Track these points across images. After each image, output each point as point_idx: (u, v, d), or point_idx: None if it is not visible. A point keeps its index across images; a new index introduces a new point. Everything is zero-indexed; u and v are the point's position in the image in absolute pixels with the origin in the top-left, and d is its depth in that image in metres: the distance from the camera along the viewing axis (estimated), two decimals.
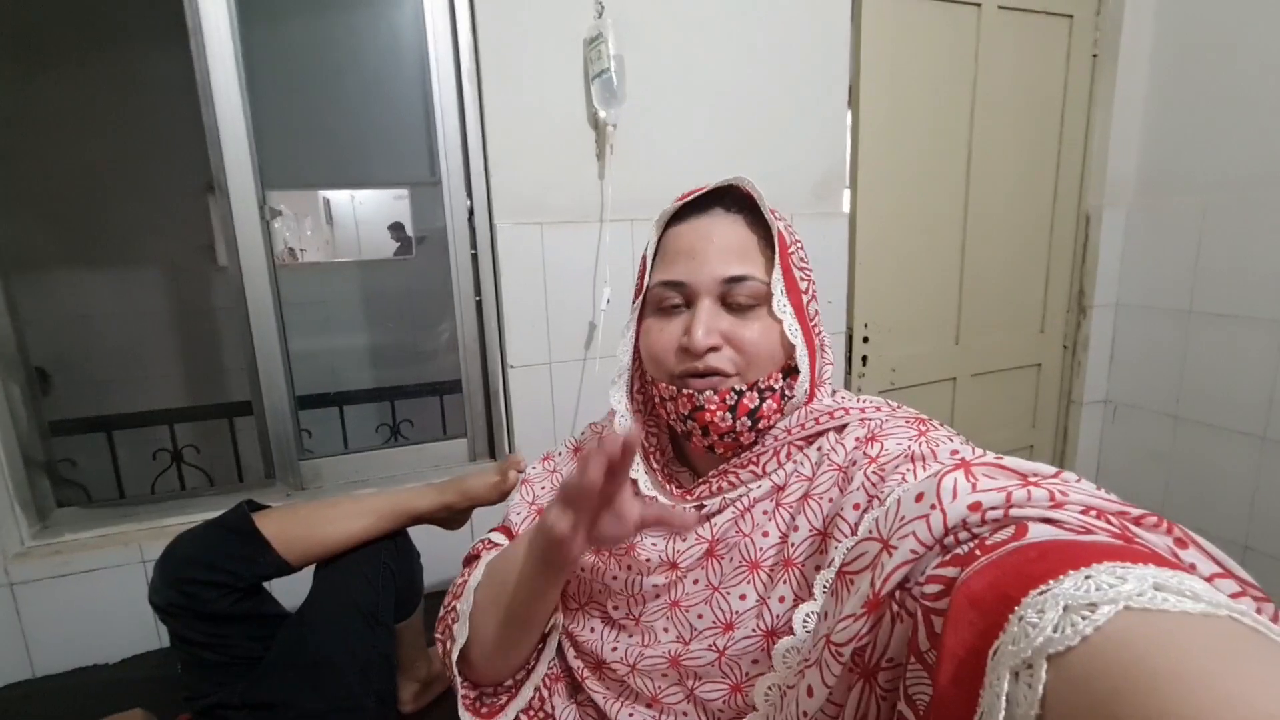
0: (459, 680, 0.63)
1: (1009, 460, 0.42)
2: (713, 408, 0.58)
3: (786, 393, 0.59)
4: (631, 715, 0.58)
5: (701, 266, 0.58)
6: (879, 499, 0.49)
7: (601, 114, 1.30)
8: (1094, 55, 1.83)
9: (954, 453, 0.50)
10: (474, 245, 1.39)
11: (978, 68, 1.70)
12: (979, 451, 0.49)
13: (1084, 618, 0.27)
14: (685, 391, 0.59)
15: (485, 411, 1.47)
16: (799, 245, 0.62)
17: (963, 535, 0.37)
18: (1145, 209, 1.87)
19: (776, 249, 0.58)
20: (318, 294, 2.46)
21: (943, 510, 0.37)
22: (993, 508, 0.37)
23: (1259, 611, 0.32)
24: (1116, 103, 1.82)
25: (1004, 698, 0.27)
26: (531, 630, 0.63)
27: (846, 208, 1.62)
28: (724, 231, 0.59)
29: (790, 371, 0.60)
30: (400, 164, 2.21)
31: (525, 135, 1.31)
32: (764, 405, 0.58)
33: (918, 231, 1.72)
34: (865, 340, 1.69)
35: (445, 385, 2.18)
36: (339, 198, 2.31)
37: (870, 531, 0.42)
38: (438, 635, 0.66)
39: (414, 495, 0.99)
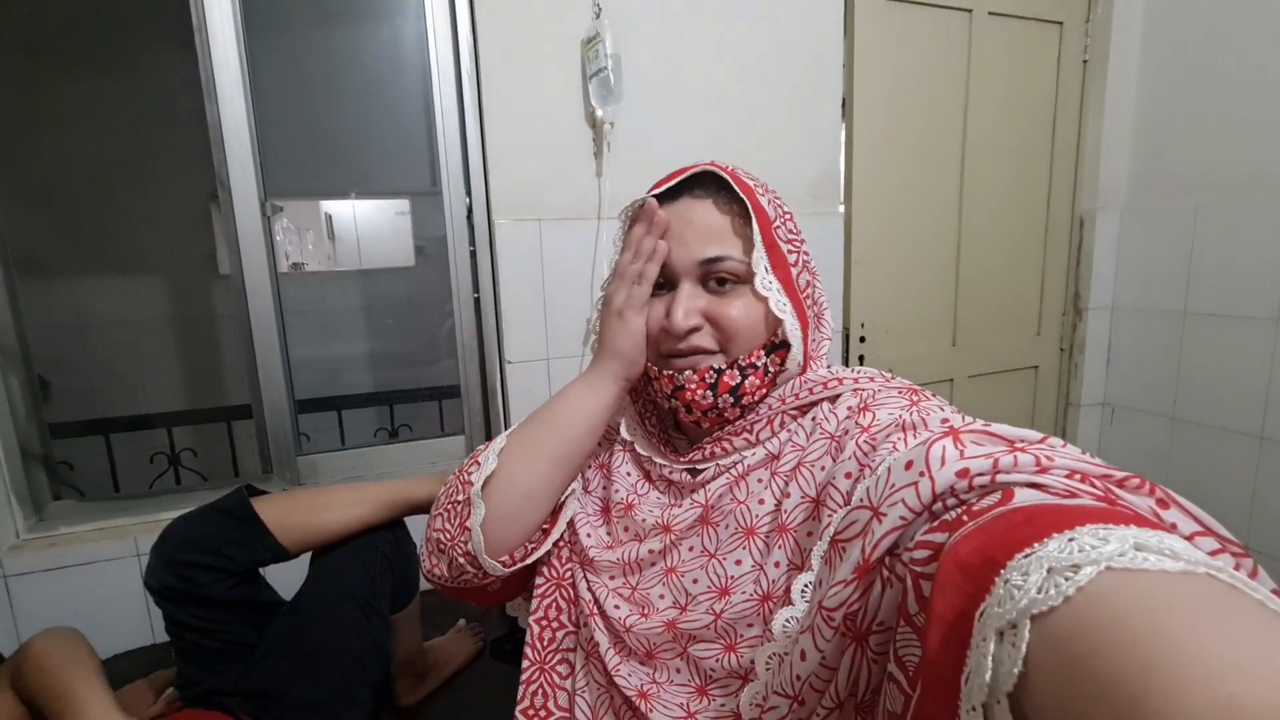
0: (481, 510, 0.60)
1: (997, 427, 0.43)
2: (693, 386, 0.59)
3: (770, 368, 0.60)
4: (631, 673, 0.58)
5: (679, 249, 0.59)
6: (870, 468, 0.50)
7: (599, 112, 1.32)
8: (1084, 61, 1.86)
9: (944, 420, 0.51)
10: (472, 243, 1.41)
11: (969, 73, 1.73)
12: (969, 419, 0.50)
13: (1067, 579, 0.27)
14: (666, 373, 0.61)
15: (483, 408, 1.47)
16: (786, 217, 0.62)
17: (951, 501, 0.38)
18: (1138, 211, 1.89)
19: (755, 224, 0.58)
20: (318, 300, 2.48)
21: (931, 477, 0.38)
22: (980, 474, 0.37)
23: (1237, 567, 0.33)
24: (1108, 107, 1.85)
25: (990, 658, 0.28)
26: (568, 469, 0.63)
27: (842, 208, 1.64)
28: (700, 214, 0.60)
29: (774, 348, 0.60)
30: (402, 174, 2.24)
31: (524, 133, 1.33)
32: (746, 382, 0.59)
33: (913, 233, 1.74)
34: (862, 340, 1.70)
35: (444, 389, 2.18)
36: (340, 210, 2.34)
37: (861, 500, 0.42)
38: (432, 516, 0.63)
39: (413, 484, 0.99)
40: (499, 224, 1.34)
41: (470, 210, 1.39)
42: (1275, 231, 1.58)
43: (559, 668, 0.64)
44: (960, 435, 0.41)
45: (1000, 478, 0.37)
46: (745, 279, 0.59)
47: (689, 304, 0.59)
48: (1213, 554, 0.33)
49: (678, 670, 0.56)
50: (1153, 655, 0.24)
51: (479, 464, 0.62)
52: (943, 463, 0.38)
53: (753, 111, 1.48)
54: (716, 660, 0.54)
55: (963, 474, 0.37)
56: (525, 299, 1.36)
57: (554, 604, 0.65)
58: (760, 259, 0.58)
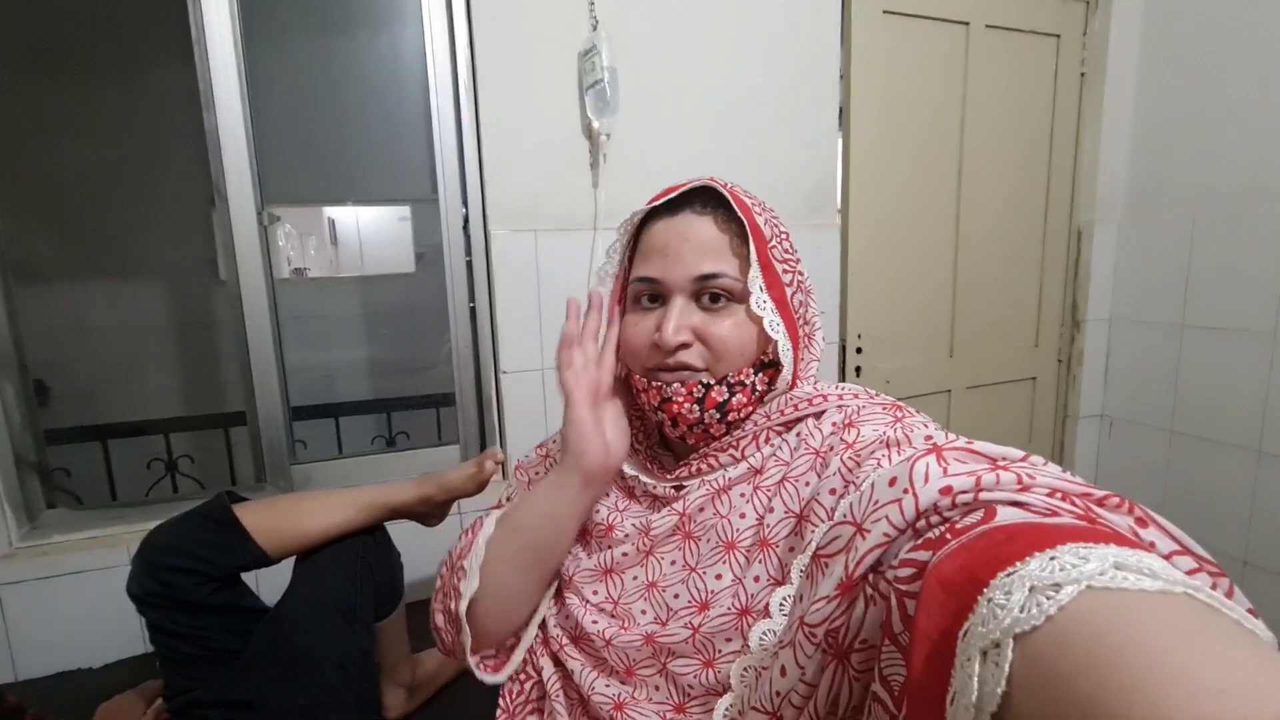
0: (468, 633, 0.62)
1: (980, 445, 0.43)
2: (680, 400, 0.59)
3: (758, 387, 0.60)
4: (608, 686, 0.58)
5: (675, 265, 0.59)
6: (854, 484, 0.50)
7: (595, 124, 1.32)
8: (1081, 74, 1.86)
9: (928, 438, 0.51)
10: (469, 253, 1.41)
11: (967, 85, 1.73)
12: (952, 436, 0.50)
13: (1049, 598, 0.27)
14: (654, 384, 0.61)
15: (478, 418, 1.47)
16: (783, 236, 0.62)
17: (934, 519, 0.38)
18: (1136, 223, 1.89)
19: (752, 244, 0.59)
20: (316, 307, 2.48)
21: (915, 494, 0.38)
22: (963, 491, 0.37)
23: (1214, 586, 0.33)
24: (1105, 119, 1.85)
25: (975, 678, 0.28)
26: (546, 572, 0.64)
27: (838, 219, 1.64)
28: (697, 230, 0.60)
29: (763, 367, 0.60)
30: (402, 181, 2.24)
31: (520, 144, 1.34)
32: (733, 399, 0.59)
33: (910, 244, 1.74)
34: (858, 351, 1.70)
35: (441, 398, 2.18)
36: (343, 216, 2.34)
37: (845, 516, 0.42)
38: (435, 606, 0.66)
39: (392, 489, 1.00)
40: (495, 234, 1.34)
41: (467, 220, 1.40)
42: (1273, 244, 1.58)
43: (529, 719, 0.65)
44: (944, 452, 0.41)
45: (983, 495, 0.37)
46: (738, 297, 0.59)
47: (680, 320, 0.59)
48: (1190, 573, 0.34)
49: (656, 688, 0.56)
50: (1132, 675, 0.24)
51: (465, 571, 0.62)
52: (926, 480, 0.39)
53: (749, 122, 1.49)
54: (695, 676, 0.54)
55: (946, 491, 0.38)
56: (521, 309, 1.37)
57: (529, 658, 0.66)
58: (756, 278, 0.58)
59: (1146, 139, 1.84)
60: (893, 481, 0.40)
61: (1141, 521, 0.36)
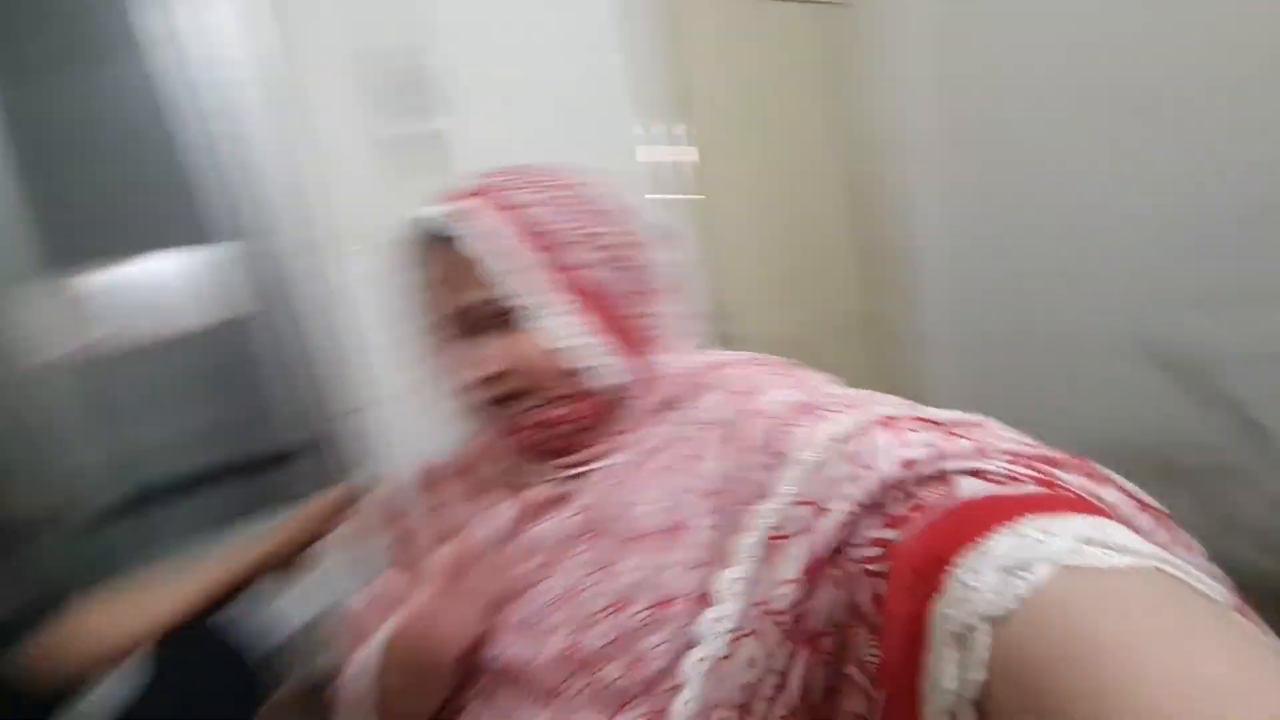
0: None
1: (928, 410, 0.43)
2: (501, 426, 0.58)
3: (577, 388, 0.55)
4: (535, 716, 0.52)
5: (452, 299, 0.56)
6: (784, 454, 0.46)
7: (418, 128, 1.25)
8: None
9: (844, 399, 0.49)
10: (307, 282, 1.28)
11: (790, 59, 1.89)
12: (875, 396, 0.49)
13: (1019, 577, 0.27)
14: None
15: (341, 459, 1.36)
16: (574, 207, 0.56)
17: (896, 494, 0.37)
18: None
19: (502, 252, 0.53)
20: (124, 381, 2.15)
21: (874, 469, 0.38)
22: (922, 462, 0.37)
23: (1172, 540, 0.35)
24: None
25: (947, 662, 0.28)
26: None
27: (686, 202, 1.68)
28: (454, 258, 0.54)
29: (574, 371, 0.55)
30: (203, 220, 1.99)
31: (340, 160, 1.25)
32: (555, 414, 0.56)
33: (766, 209, 1.87)
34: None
35: (299, 447, 1.97)
36: (134, 272, 2.03)
37: (799, 495, 0.41)
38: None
39: (239, 551, 0.88)
40: (332, 259, 1.24)
41: (299, 250, 1.27)
42: None
43: None
44: (895, 422, 0.40)
45: (942, 465, 0.37)
46: (511, 316, 0.54)
47: (467, 357, 0.55)
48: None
49: (589, 699, 0.51)
50: (1116, 668, 0.24)
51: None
52: (883, 453, 0.38)
53: (585, 110, 1.48)
54: (625, 678, 0.49)
55: (907, 464, 0.37)
56: (373, 334, 1.26)
57: None
58: (520, 291, 0.53)
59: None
60: (846, 456, 0.39)
61: (1094, 477, 0.37)
